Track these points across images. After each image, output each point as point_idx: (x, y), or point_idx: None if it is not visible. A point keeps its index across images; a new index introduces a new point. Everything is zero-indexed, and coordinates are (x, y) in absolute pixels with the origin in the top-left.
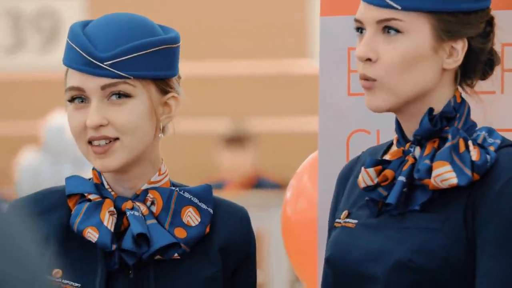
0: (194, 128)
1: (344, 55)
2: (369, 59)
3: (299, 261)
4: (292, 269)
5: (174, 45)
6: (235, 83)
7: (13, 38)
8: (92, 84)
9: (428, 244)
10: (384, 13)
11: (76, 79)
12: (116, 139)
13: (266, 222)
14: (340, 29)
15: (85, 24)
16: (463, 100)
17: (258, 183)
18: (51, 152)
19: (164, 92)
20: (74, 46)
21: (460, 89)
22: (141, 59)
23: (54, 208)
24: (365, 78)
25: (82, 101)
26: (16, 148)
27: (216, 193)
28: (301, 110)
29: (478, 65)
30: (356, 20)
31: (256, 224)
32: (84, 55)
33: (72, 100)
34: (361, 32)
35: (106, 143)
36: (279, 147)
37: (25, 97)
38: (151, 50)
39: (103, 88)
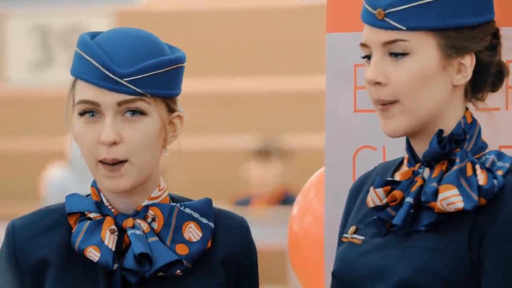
0: (222, 144)
1: (351, 71)
2: (378, 83)
3: (306, 277)
4: None
5: (182, 64)
6: (264, 100)
7: (42, 54)
8: (108, 99)
9: (432, 265)
10: (390, 35)
11: (90, 93)
12: (126, 161)
13: None
14: (347, 45)
15: (93, 35)
16: (474, 120)
17: (285, 199)
18: (78, 168)
19: (171, 110)
20: (89, 58)
21: (470, 105)
22: (157, 77)
23: (54, 227)
24: (382, 103)
25: (93, 115)
26: (43, 164)
27: (244, 209)
28: (320, 126)
29: (487, 78)
30: (363, 45)
31: (282, 239)
32: (102, 69)
33: (83, 113)
34: (369, 59)
35: (116, 164)
36: (307, 163)
37: (53, 113)
38: (166, 69)
39: (120, 104)
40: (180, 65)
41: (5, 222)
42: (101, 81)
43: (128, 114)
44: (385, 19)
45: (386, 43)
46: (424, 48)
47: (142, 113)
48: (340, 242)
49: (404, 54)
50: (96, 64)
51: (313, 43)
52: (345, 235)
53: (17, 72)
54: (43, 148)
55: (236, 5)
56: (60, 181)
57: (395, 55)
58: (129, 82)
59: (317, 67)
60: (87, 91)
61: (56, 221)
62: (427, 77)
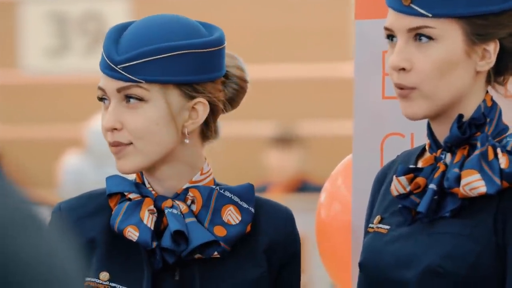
0: (242, 131)
1: (379, 58)
2: (403, 69)
3: (333, 264)
4: None
5: (204, 49)
6: (283, 87)
7: (59, 41)
8: (110, 86)
9: (458, 250)
10: (415, 21)
11: (101, 80)
12: (130, 143)
13: (309, 225)
14: (375, 32)
15: (129, 24)
16: (494, 103)
17: (303, 186)
18: (94, 155)
19: (191, 97)
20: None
21: (491, 89)
22: (157, 63)
23: (98, 212)
24: (401, 87)
25: (105, 102)
26: (60, 151)
27: (260, 195)
28: (346, 113)
29: (509, 64)
30: (386, 28)
31: (299, 227)
32: (105, 57)
33: (101, 99)
34: (392, 40)
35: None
36: (326, 151)
37: (69, 100)
38: (169, 54)
39: (119, 91)
40: (198, 50)
41: None
42: (105, 69)
43: (129, 100)
44: (411, 5)
45: (412, 29)
46: (450, 35)
47: (141, 99)
48: (366, 233)
49: (429, 39)
50: (103, 52)
51: (333, 31)
52: (370, 225)
53: (33, 59)
54: (60, 135)
55: None
56: (77, 168)
57: (419, 38)
58: (123, 69)
59: (336, 54)
60: (101, 79)
61: (99, 206)
62: (451, 64)
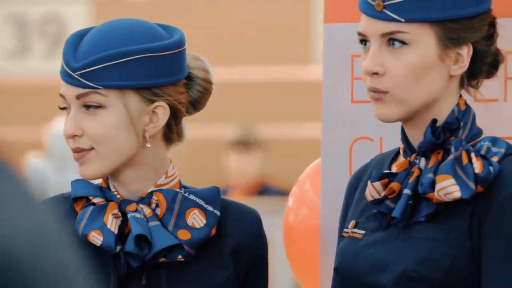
0: (201, 134)
1: (348, 62)
2: (376, 73)
3: (301, 268)
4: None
5: (163, 53)
6: (242, 89)
7: (19, 43)
8: (69, 92)
9: (433, 255)
10: (388, 26)
11: (62, 87)
12: (92, 148)
13: (270, 229)
14: (344, 36)
15: (88, 30)
16: (467, 107)
17: (263, 190)
18: (55, 157)
19: (150, 101)
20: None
21: (464, 93)
22: (114, 68)
23: (65, 217)
24: (375, 91)
25: (66, 109)
26: (20, 153)
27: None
28: (306, 116)
29: (483, 67)
30: (359, 33)
31: None
32: (63, 63)
33: (63, 109)
34: (365, 44)
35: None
36: (286, 154)
37: (30, 103)
38: (126, 59)
39: (78, 97)
40: (156, 53)
41: None
42: (64, 76)
43: (88, 107)
44: (384, 10)
45: (384, 34)
46: (423, 40)
47: (99, 105)
48: (341, 237)
49: (403, 44)
50: (62, 59)
51: (295, 33)
52: (345, 230)
53: None
54: (20, 137)
55: None
56: (37, 170)
57: (393, 43)
58: (80, 75)
59: (298, 57)
60: (62, 86)
61: (66, 211)
62: (424, 68)
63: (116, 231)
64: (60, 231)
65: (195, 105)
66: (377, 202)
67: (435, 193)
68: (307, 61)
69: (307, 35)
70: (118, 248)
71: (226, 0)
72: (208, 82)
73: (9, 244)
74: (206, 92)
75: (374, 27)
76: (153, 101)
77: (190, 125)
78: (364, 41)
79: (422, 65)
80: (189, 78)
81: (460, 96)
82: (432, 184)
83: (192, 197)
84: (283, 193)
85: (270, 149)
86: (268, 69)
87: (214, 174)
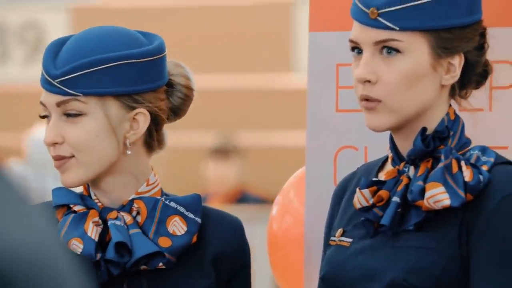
0: (180, 141)
1: (333, 71)
2: (368, 81)
3: (285, 277)
4: (275, 284)
5: (143, 59)
6: (221, 97)
7: None
8: (50, 100)
9: (423, 264)
10: (382, 34)
11: (42, 95)
12: (72, 156)
13: (249, 237)
14: (329, 45)
15: (68, 38)
16: (457, 116)
17: (242, 198)
18: (34, 164)
19: (131, 107)
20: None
21: (453, 102)
22: (94, 75)
23: None
24: (367, 99)
25: (47, 117)
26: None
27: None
28: (286, 124)
29: (473, 77)
30: (352, 41)
31: None
32: (43, 71)
33: (44, 117)
34: (357, 52)
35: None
36: (264, 162)
37: (9, 109)
38: (106, 66)
39: (58, 105)
40: (135, 60)
41: None
42: (44, 84)
43: (69, 115)
44: (378, 18)
45: (378, 42)
46: (416, 48)
47: (80, 112)
48: (327, 246)
49: (396, 52)
50: (42, 67)
51: (274, 41)
52: (332, 238)
53: None
54: (0, 144)
55: (194, 2)
56: (18, 177)
57: (387, 51)
58: (60, 83)
59: (277, 65)
60: (42, 94)
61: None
62: (417, 77)
63: (96, 239)
64: (57, 240)
65: (176, 111)
66: (365, 209)
67: (425, 200)
68: (287, 69)
69: (287, 43)
70: (99, 255)
71: (206, 7)
72: (189, 88)
73: (8, 256)
74: (187, 98)
75: (368, 35)
76: (133, 108)
77: (169, 132)
78: (356, 48)
79: (415, 74)
80: (170, 84)
81: (450, 105)
82: (422, 191)
83: (173, 204)
84: (262, 201)
85: (249, 157)
86: (247, 77)
87: (193, 181)
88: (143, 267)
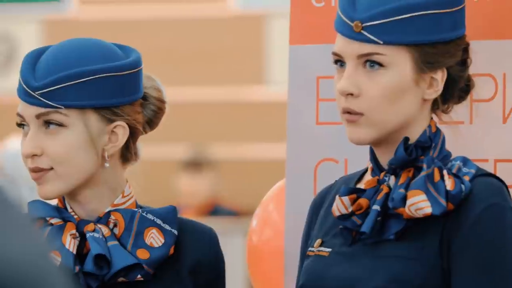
0: (153, 154)
1: (313, 83)
2: (351, 94)
3: None
4: None
5: (121, 72)
6: (193, 109)
7: None
8: (29, 112)
9: (404, 273)
10: (366, 48)
11: (20, 106)
12: (51, 168)
13: (222, 249)
14: (310, 57)
15: (45, 49)
16: (438, 129)
17: (214, 210)
18: (9, 177)
19: (110, 120)
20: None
21: (434, 116)
22: (75, 88)
23: None
24: (349, 112)
25: (25, 127)
26: None
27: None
28: (259, 137)
29: (455, 92)
30: (335, 54)
31: None
32: (22, 83)
33: (20, 126)
34: (340, 65)
35: (40, 172)
36: (237, 174)
37: None
38: (87, 79)
39: (38, 117)
40: (114, 73)
41: None
42: (23, 95)
43: (49, 126)
44: (362, 32)
45: (362, 56)
46: (399, 62)
47: (60, 125)
48: (305, 256)
49: (379, 66)
50: (20, 78)
51: (248, 53)
52: (310, 248)
53: None
54: None
55: (165, 14)
56: None
57: (370, 65)
58: (41, 95)
59: (250, 77)
60: (20, 105)
61: None
62: (400, 91)
63: (74, 251)
64: (51, 253)
65: (150, 124)
66: (344, 217)
67: (406, 208)
68: (260, 81)
69: (260, 55)
70: (77, 268)
71: (179, 20)
72: (162, 101)
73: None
74: (159, 111)
75: (351, 48)
76: (112, 121)
77: (142, 145)
78: (338, 61)
79: (398, 88)
80: (144, 97)
81: (431, 118)
82: (403, 199)
83: (150, 216)
84: (235, 213)
85: (222, 169)
86: (219, 89)
87: (165, 194)
88: (121, 279)
